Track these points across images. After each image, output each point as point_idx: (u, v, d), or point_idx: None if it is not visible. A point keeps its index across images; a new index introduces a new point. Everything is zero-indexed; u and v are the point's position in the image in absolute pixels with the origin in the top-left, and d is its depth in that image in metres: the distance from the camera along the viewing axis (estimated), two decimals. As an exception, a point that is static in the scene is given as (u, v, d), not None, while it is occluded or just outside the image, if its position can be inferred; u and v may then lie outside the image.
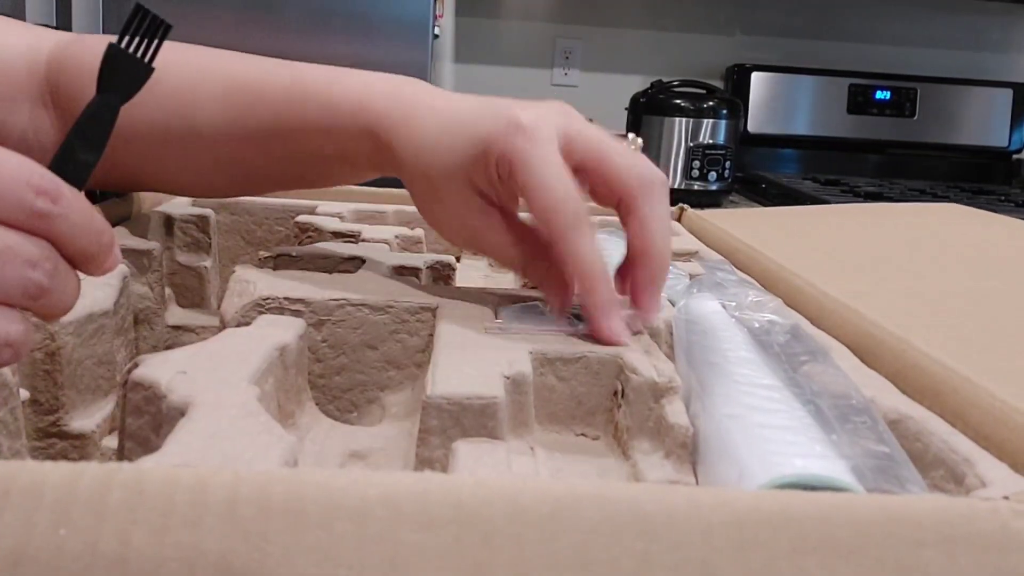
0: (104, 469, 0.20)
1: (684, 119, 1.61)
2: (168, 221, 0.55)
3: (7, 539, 0.18)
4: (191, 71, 0.48)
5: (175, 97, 0.47)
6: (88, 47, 0.50)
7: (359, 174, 0.48)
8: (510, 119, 0.37)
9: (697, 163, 1.59)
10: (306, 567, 0.19)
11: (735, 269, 0.52)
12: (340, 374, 0.39)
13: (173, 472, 0.20)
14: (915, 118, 1.98)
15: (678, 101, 1.62)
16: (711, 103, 1.62)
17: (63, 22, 1.27)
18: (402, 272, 0.47)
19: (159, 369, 0.30)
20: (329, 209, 0.62)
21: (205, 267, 0.56)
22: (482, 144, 0.38)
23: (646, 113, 1.64)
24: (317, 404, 0.38)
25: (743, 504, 0.21)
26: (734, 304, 0.42)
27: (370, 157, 0.44)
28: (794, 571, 0.20)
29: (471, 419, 0.30)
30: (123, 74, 0.30)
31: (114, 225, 0.55)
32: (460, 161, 0.39)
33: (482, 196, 0.40)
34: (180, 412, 0.27)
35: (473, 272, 0.59)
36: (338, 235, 0.56)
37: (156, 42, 0.30)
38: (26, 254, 0.26)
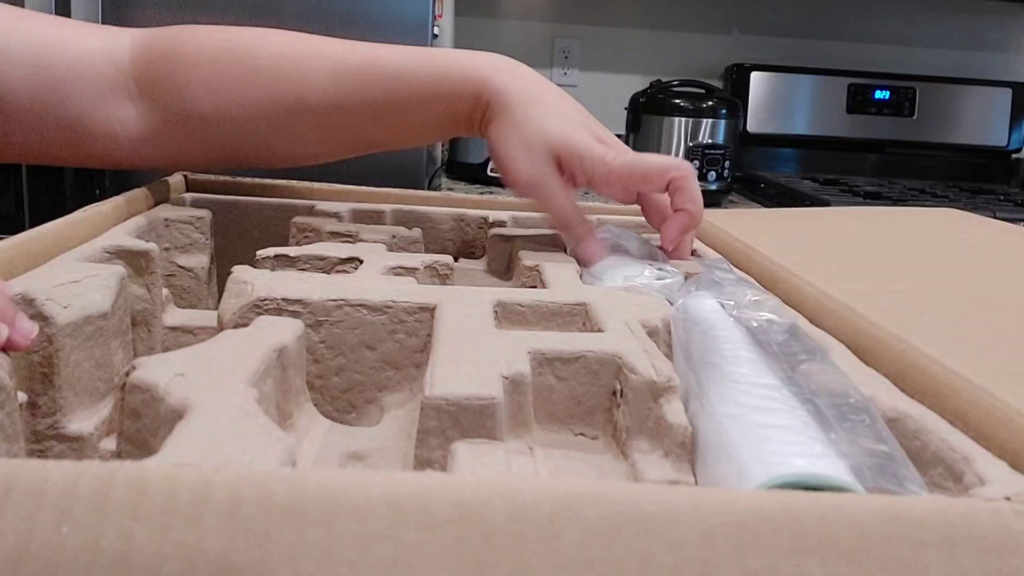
0: (106, 467, 0.20)
1: (683, 119, 1.61)
2: (166, 222, 0.55)
3: (9, 537, 0.18)
4: (295, 53, 0.55)
5: (283, 77, 0.55)
6: (171, 38, 0.56)
7: (448, 132, 0.58)
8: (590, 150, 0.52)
9: (696, 163, 1.59)
10: (307, 566, 0.19)
11: (733, 268, 0.52)
12: (338, 375, 0.39)
13: (175, 471, 0.20)
14: (914, 118, 1.98)
15: (677, 101, 1.62)
16: (710, 103, 1.62)
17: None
18: (400, 272, 0.47)
19: (157, 371, 0.30)
20: (327, 209, 0.62)
21: (203, 268, 0.56)
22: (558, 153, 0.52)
23: (645, 113, 1.64)
24: (316, 405, 0.38)
25: (743, 504, 0.21)
26: (732, 303, 0.42)
27: (469, 115, 0.55)
28: (794, 571, 0.20)
29: (470, 419, 0.30)
30: None
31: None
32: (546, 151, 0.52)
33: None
34: (178, 414, 0.27)
35: (471, 272, 0.59)
36: (336, 235, 0.56)
37: None
38: None
